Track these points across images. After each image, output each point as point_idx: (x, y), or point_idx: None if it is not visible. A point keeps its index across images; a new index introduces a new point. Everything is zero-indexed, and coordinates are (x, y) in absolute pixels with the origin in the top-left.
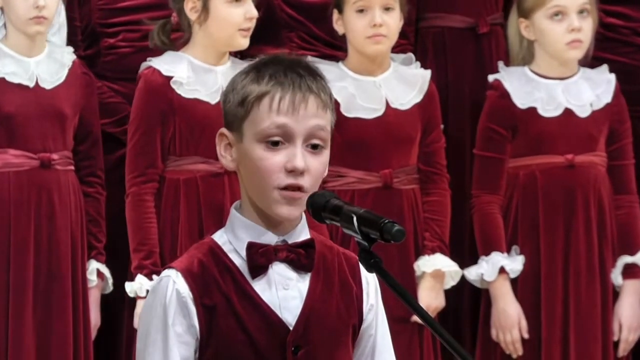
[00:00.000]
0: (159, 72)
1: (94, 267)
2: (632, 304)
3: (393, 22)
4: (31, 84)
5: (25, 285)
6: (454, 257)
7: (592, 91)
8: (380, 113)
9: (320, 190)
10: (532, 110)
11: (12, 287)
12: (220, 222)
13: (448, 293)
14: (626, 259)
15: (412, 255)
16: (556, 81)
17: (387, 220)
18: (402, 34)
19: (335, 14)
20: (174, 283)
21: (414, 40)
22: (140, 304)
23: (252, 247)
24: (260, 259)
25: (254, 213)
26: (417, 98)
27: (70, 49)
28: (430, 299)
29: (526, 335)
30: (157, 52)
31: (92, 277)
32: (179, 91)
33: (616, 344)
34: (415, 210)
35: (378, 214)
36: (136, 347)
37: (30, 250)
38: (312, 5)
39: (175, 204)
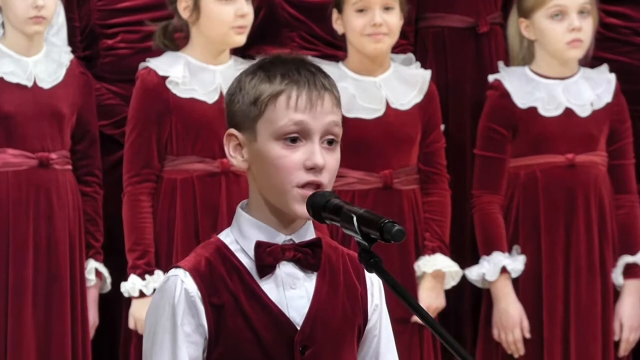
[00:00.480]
0: (155, 72)
1: (93, 267)
2: (633, 303)
3: (393, 21)
4: (29, 84)
5: (24, 284)
6: (454, 257)
7: (593, 91)
8: (380, 113)
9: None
10: (533, 110)
11: (11, 287)
12: (215, 222)
13: (448, 293)
14: (627, 259)
15: (412, 255)
16: (556, 81)
17: (387, 220)
18: (402, 34)
19: (335, 14)
20: (182, 282)
21: (414, 40)
22: (134, 304)
23: (260, 246)
24: (268, 258)
25: (264, 212)
26: (418, 98)
27: (68, 48)
28: (431, 299)
29: (528, 335)
30: (157, 53)
31: (90, 277)
32: (174, 91)
33: (617, 344)
34: (415, 210)
35: (378, 214)
36: (143, 346)
37: (29, 250)
38: (313, 5)
39: (172, 204)
